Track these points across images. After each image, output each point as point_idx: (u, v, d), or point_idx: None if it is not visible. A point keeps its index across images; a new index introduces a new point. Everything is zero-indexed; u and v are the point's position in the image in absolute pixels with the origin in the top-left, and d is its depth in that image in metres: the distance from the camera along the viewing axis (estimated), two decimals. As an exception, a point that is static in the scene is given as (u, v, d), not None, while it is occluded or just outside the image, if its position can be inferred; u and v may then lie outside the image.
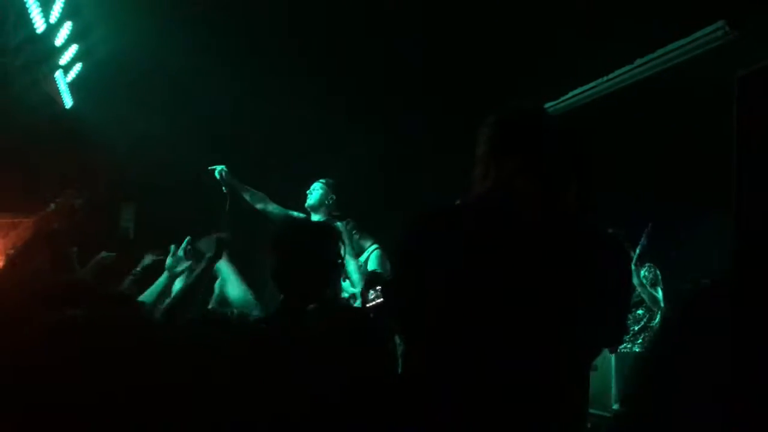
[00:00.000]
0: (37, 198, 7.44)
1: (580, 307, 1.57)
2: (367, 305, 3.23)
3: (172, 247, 5.96)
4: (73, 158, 6.70)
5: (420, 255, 1.65)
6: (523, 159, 1.67)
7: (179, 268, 3.33)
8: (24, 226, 8.57)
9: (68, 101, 6.21)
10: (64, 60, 5.61)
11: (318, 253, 2.02)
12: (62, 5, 5.08)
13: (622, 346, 4.47)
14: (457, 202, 1.82)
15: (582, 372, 1.64)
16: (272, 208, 4.86)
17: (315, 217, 4.70)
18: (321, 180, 4.78)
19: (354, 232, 4.64)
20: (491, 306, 1.55)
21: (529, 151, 1.68)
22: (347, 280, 4.09)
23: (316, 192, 4.72)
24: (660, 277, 4.82)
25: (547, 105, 4.87)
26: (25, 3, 4.65)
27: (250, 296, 2.85)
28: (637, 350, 4.66)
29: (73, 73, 5.98)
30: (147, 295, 3.29)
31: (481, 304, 1.55)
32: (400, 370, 1.73)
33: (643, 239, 4.67)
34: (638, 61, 4.62)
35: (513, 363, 1.53)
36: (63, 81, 5.94)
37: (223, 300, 3.04)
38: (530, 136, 1.71)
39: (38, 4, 4.79)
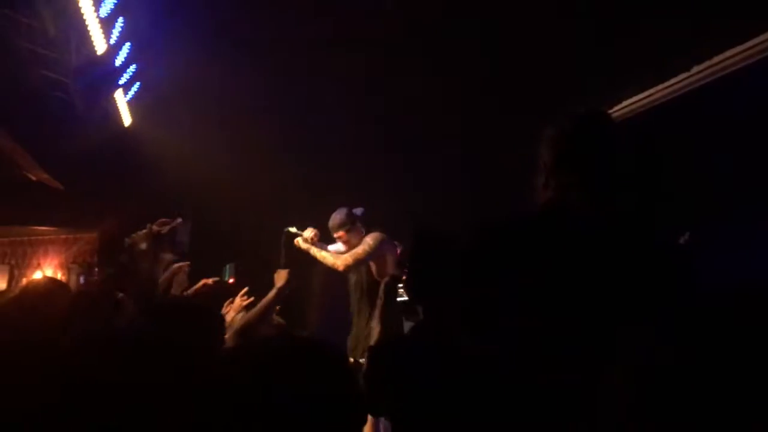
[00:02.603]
0: (96, 214, 7.74)
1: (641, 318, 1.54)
2: None
3: (227, 266, 6.08)
4: (131, 175, 6.91)
5: (487, 269, 1.67)
6: (581, 170, 1.67)
7: None
8: (84, 241, 8.89)
9: (127, 119, 6.42)
10: (123, 79, 5.79)
11: (457, 267, 1.96)
12: (121, 26, 5.25)
13: None
14: (523, 212, 1.82)
15: None
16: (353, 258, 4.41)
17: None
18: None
19: None
20: (554, 318, 1.55)
21: (587, 162, 1.68)
22: None
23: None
24: None
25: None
26: (86, 25, 4.82)
27: None
28: None
29: (131, 92, 6.18)
30: None
31: (543, 315, 1.56)
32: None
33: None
34: (695, 69, 4.51)
35: (580, 368, 1.52)
36: (122, 99, 6.15)
37: None
38: (589, 148, 1.70)
39: (99, 26, 4.97)
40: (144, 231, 2.84)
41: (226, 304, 3.72)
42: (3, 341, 1.78)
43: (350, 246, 4.52)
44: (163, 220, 2.89)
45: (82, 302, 2.35)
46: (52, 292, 2.32)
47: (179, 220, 3.00)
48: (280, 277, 3.46)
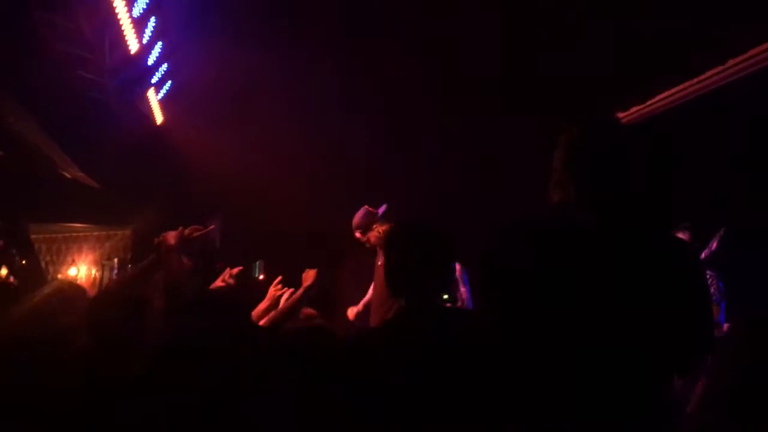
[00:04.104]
0: (129, 211, 7.85)
1: (652, 316, 1.58)
2: None
3: (256, 263, 6.09)
4: (164, 173, 7.00)
5: (504, 268, 1.74)
6: (587, 174, 1.75)
7: None
8: (118, 238, 9.03)
9: (159, 117, 6.51)
10: (155, 78, 5.88)
11: (433, 255, 2.01)
12: (153, 26, 5.33)
13: None
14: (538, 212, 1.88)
15: (664, 379, 1.65)
16: None
17: None
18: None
19: None
20: (568, 316, 1.60)
21: (593, 166, 1.76)
22: None
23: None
24: (723, 291, 4.38)
25: (633, 109, 4.73)
26: (120, 25, 4.89)
27: None
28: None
29: (163, 91, 6.27)
30: None
31: (558, 314, 1.61)
32: None
33: (713, 243, 4.31)
34: (730, 62, 4.43)
35: (597, 367, 1.57)
36: (154, 98, 6.24)
37: None
38: (596, 153, 1.77)
39: (131, 26, 5.04)
40: (175, 231, 2.87)
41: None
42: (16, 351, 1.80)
43: (371, 245, 4.58)
44: (197, 227, 2.92)
45: (101, 303, 2.37)
46: (68, 297, 2.34)
47: (212, 227, 3.01)
48: (308, 276, 3.49)
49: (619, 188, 1.73)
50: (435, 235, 2.03)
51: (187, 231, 2.79)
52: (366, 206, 4.65)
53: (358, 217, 4.62)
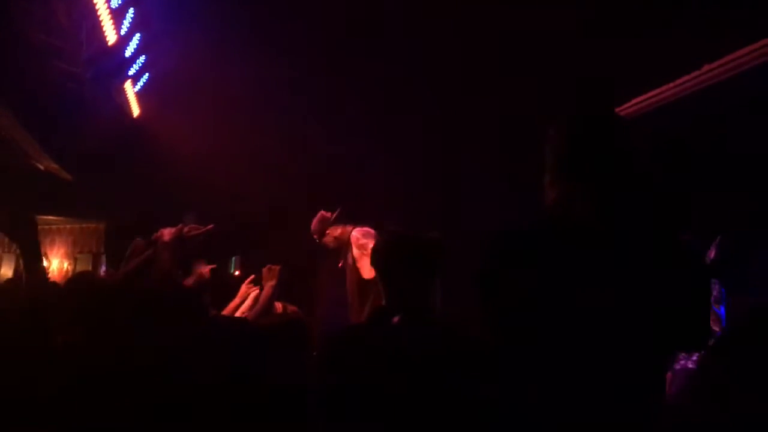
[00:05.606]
0: (103, 204, 7.74)
1: (651, 315, 1.56)
2: None
3: (232, 259, 6.03)
4: (139, 166, 6.92)
5: (508, 276, 1.68)
6: (584, 170, 1.68)
7: None
8: (91, 231, 8.90)
9: (136, 110, 6.44)
10: (132, 70, 5.80)
11: (415, 264, 2.02)
12: (132, 17, 5.27)
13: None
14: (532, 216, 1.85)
15: (659, 376, 1.66)
16: None
17: None
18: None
19: None
20: (567, 322, 1.58)
21: (589, 161, 1.68)
22: None
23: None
24: (724, 294, 4.52)
25: (632, 102, 4.74)
26: (98, 16, 4.82)
27: None
28: (691, 367, 4.39)
29: (140, 83, 6.19)
30: None
31: (558, 320, 1.58)
32: None
33: (711, 252, 4.41)
34: (706, 68, 4.46)
35: (594, 370, 1.55)
36: (131, 91, 6.16)
37: None
38: (591, 147, 1.70)
39: (110, 16, 4.97)
40: (172, 228, 2.85)
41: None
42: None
43: (337, 244, 4.74)
44: (195, 226, 2.91)
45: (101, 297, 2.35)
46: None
47: (211, 226, 3.00)
48: (272, 274, 3.50)
49: (622, 183, 1.67)
50: (423, 245, 2.04)
51: (186, 229, 2.78)
52: (321, 212, 4.80)
53: (313, 223, 4.81)
